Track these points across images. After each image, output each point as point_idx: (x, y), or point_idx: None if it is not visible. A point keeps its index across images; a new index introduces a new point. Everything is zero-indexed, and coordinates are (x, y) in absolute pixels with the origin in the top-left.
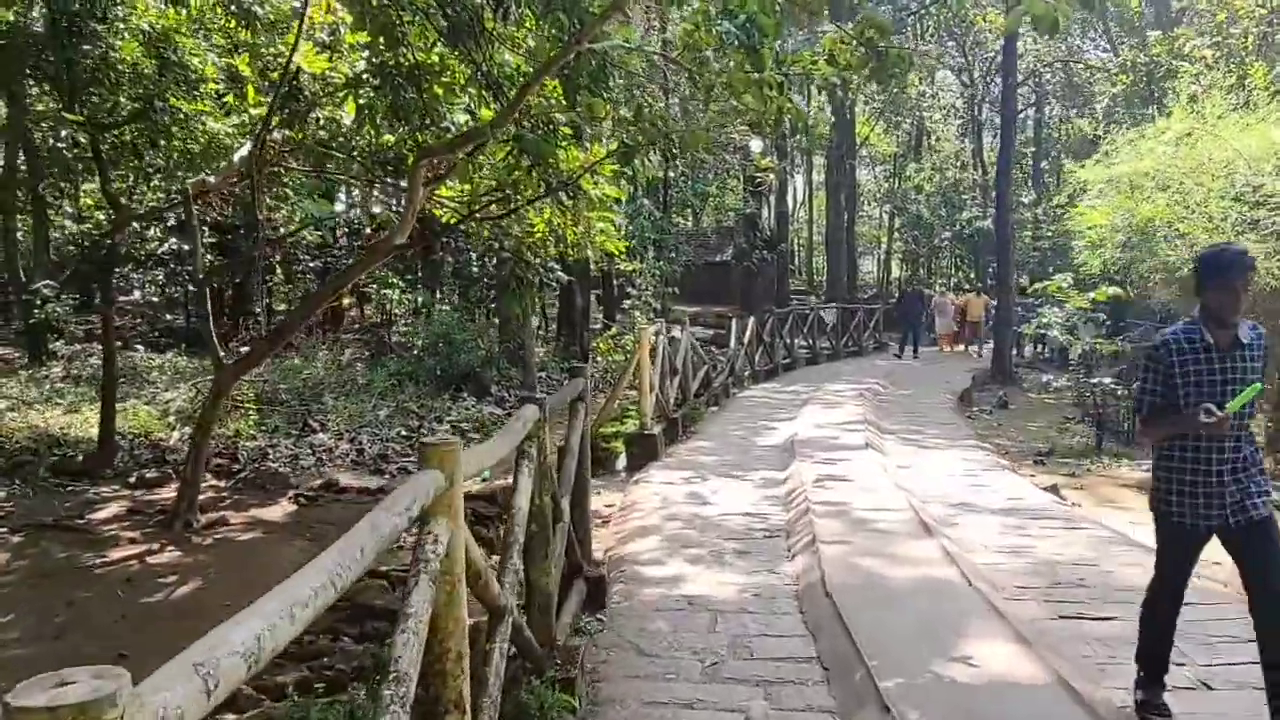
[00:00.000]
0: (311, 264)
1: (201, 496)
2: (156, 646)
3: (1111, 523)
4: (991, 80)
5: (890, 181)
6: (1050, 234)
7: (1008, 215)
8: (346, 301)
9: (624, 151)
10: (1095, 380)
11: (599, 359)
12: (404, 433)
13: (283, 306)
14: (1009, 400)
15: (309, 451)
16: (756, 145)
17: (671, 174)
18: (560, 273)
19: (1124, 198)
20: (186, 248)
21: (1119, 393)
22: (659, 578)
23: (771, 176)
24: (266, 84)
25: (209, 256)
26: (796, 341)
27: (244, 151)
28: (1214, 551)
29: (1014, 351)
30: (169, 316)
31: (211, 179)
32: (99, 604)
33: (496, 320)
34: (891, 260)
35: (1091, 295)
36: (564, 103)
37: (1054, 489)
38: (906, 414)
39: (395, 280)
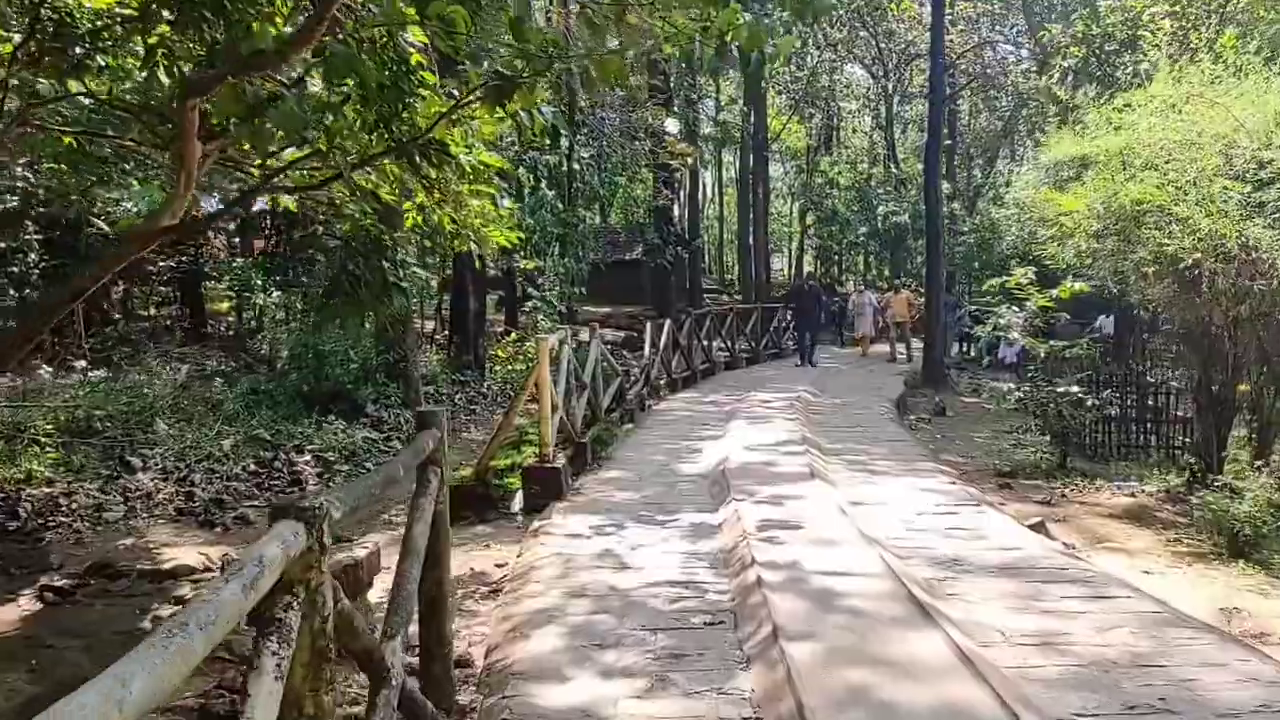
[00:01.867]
0: (174, 265)
1: None
2: None
3: (1115, 569)
4: (904, 71)
5: (802, 176)
6: (973, 228)
7: (937, 207)
8: (225, 306)
9: (497, 85)
10: (1061, 389)
11: (496, 369)
12: (253, 467)
13: (151, 310)
14: (945, 406)
15: (119, 498)
16: (672, 126)
17: (576, 166)
18: (418, 269)
19: (1102, 179)
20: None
21: (1088, 403)
22: (558, 712)
23: (690, 162)
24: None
25: (34, 255)
26: (715, 344)
27: None
28: (1230, 595)
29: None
30: None
31: None
32: None
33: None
34: (804, 257)
35: (1054, 292)
36: (414, 20)
37: (1040, 527)
38: (846, 428)
39: (259, 281)
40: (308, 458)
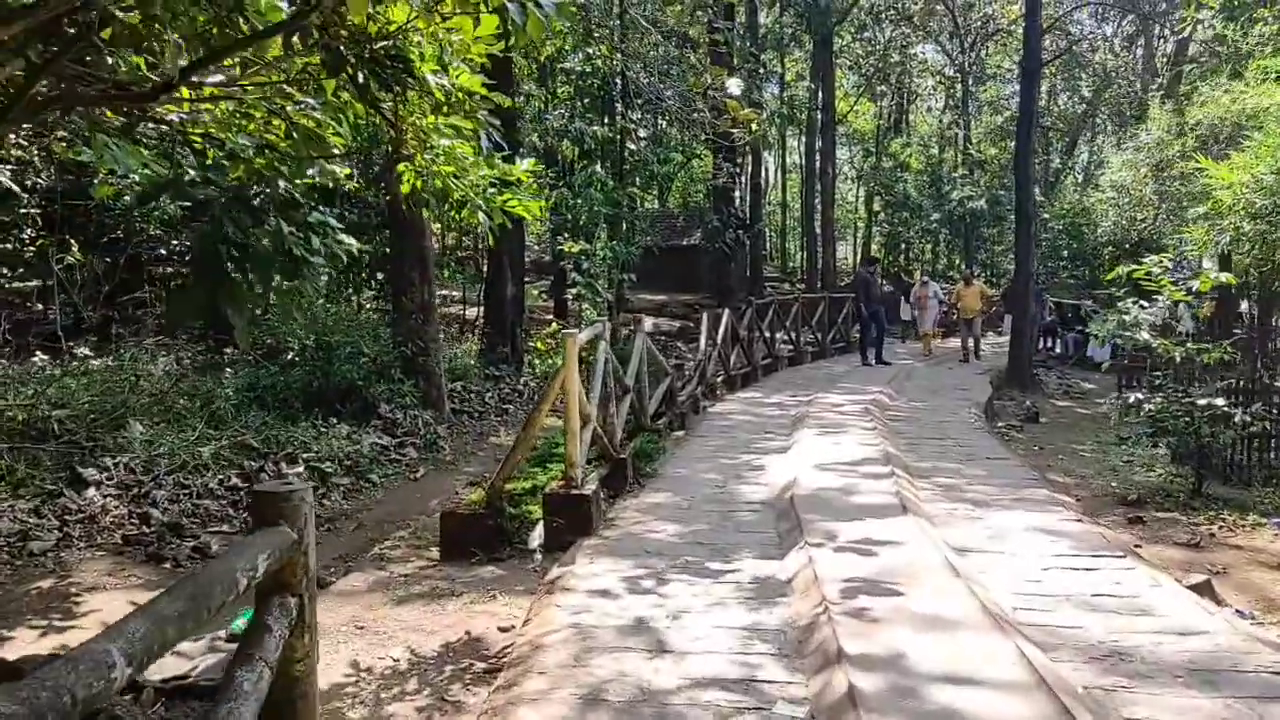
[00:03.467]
0: (167, 237)
1: None
2: None
3: None
4: (982, 48)
5: (869, 159)
6: (1055, 214)
7: (1029, 188)
8: None
9: None
10: (1203, 402)
11: (536, 363)
12: (235, 480)
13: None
14: (1038, 411)
15: (55, 521)
16: (735, 87)
17: (632, 146)
18: (345, 237)
19: (1269, 144)
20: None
21: (1235, 418)
22: None
23: (755, 129)
24: None
25: (30, 231)
26: (778, 336)
27: None
28: None
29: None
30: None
31: None
32: None
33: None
34: (871, 245)
35: (1194, 285)
36: None
37: (1207, 589)
38: (933, 440)
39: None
40: (301, 469)
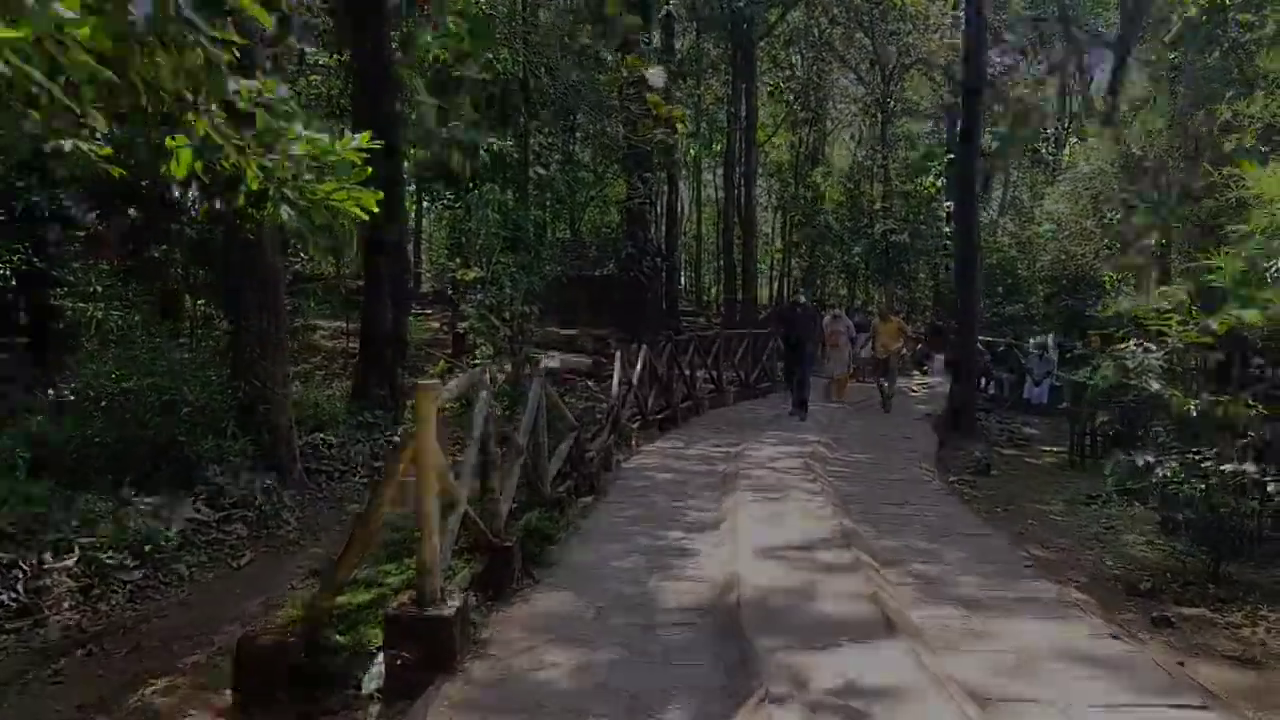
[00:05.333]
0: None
1: None
2: None
3: None
4: (899, 80)
5: (787, 190)
6: (997, 246)
7: (972, 219)
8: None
9: None
10: (1229, 468)
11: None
12: None
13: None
14: (989, 462)
15: None
16: (657, 77)
17: (542, 169)
18: None
19: None
20: None
21: (1270, 488)
22: None
23: (680, 129)
24: None
25: None
26: (699, 375)
27: None
28: None
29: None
30: None
31: None
32: None
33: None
34: (788, 278)
35: (1211, 324)
36: None
37: None
38: (891, 506)
39: (98, 289)
40: (73, 560)
